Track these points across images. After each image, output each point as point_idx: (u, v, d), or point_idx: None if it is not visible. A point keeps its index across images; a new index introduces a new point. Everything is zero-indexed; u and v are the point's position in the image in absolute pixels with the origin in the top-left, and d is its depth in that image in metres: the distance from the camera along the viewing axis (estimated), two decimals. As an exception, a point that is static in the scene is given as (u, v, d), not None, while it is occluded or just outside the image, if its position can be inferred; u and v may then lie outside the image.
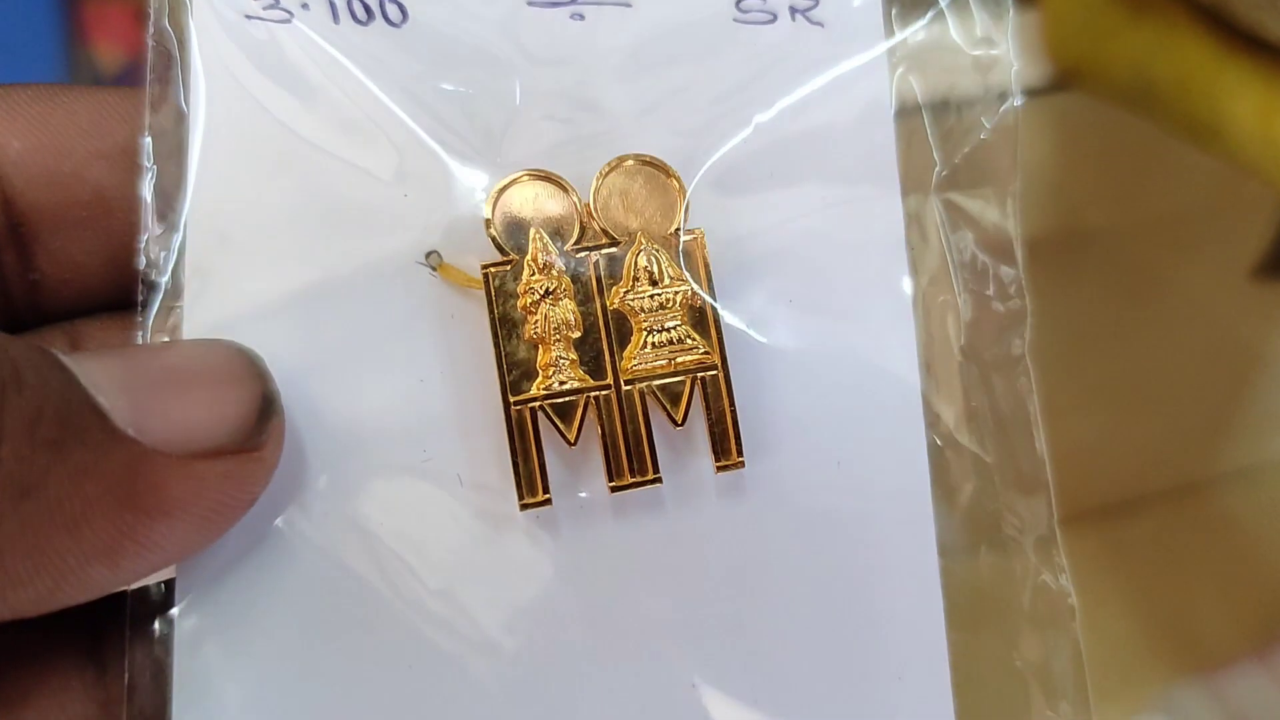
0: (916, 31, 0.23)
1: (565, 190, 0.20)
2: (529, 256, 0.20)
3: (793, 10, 0.23)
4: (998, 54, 0.23)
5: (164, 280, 0.19)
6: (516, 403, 0.19)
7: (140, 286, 0.19)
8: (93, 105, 0.20)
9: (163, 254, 0.19)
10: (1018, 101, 0.22)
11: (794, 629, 0.20)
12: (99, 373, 0.16)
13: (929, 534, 0.20)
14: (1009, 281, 0.21)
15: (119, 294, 0.20)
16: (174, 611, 0.18)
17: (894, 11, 0.23)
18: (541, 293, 0.19)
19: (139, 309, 0.19)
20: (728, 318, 0.20)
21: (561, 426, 0.19)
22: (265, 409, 0.18)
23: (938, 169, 0.22)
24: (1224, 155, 0.33)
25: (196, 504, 0.17)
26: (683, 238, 0.20)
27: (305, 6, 0.21)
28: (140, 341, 0.19)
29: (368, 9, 0.21)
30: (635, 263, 0.20)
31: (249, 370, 0.18)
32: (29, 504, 0.15)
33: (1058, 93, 0.35)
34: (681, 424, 0.19)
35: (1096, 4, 0.35)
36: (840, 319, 0.21)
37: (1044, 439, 0.20)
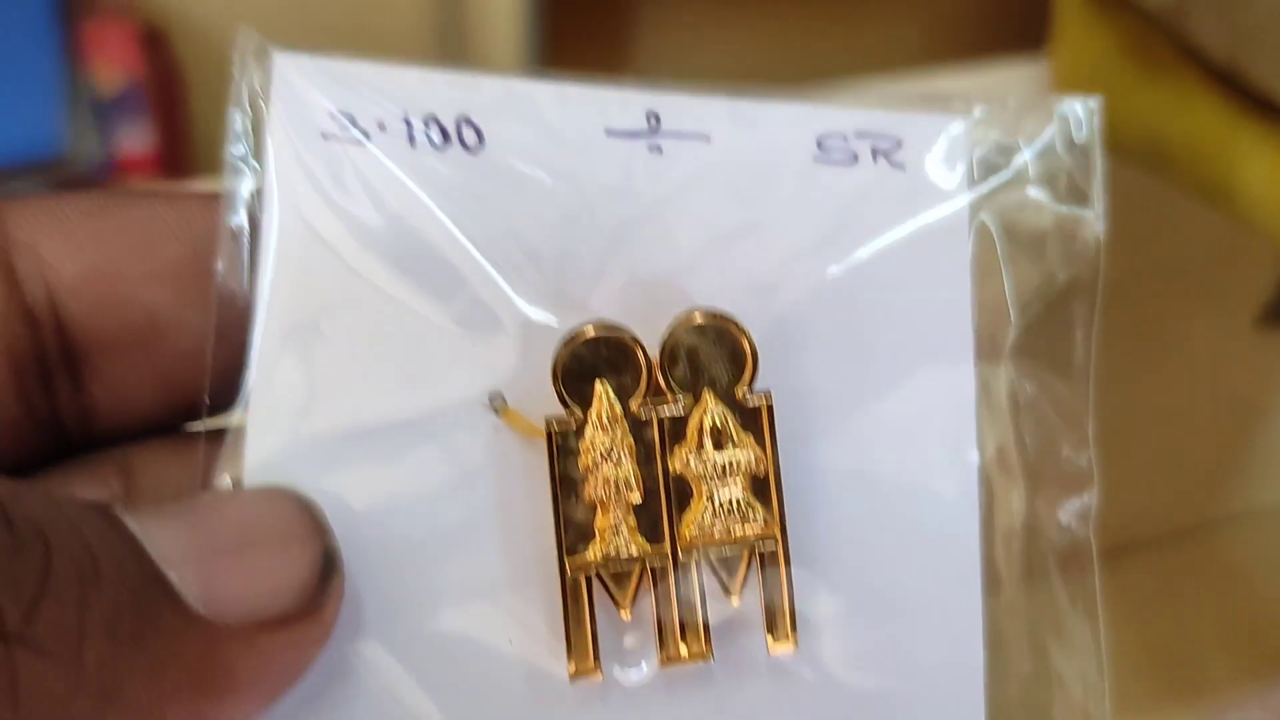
0: (1000, 180, 0.22)
1: (633, 345, 0.20)
2: (593, 413, 0.19)
3: (874, 152, 0.22)
4: (1084, 208, 0.22)
5: (229, 412, 0.19)
6: (573, 568, 0.19)
7: (203, 418, 0.19)
8: (145, 220, 0.19)
9: (228, 385, 0.19)
10: (1097, 250, 0.22)
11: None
12: (165, 541, 0.16)
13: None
14: (1078, 463, 0.21)
15: (169, 417, 0.20)
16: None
17: (978, 157, 0.22)
18: (602, 452, 0.19)
19: (200, 440, 0.19)
20: (789, 482, 0.20)
21: (616, 596, 0.19)
22: (327, 568, 0.17)
23: (1013, 330, 0.22)
24: (1236, 218, 0.33)
25: (264, 678, 0.17)
26: (750, 400, 0.20)
27: (383, 128, 0.21)
28: (201, 476, 0.19)
29: (444, 132, 0.21)
30: (700, 424, 0.20)
31: (311, 527, 0.18)
32: (112, 708, 0.14)
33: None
34: (736, 596, 0.19)
35: (1108, 65, 0.35)
36: (901, 494, 0.20)
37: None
